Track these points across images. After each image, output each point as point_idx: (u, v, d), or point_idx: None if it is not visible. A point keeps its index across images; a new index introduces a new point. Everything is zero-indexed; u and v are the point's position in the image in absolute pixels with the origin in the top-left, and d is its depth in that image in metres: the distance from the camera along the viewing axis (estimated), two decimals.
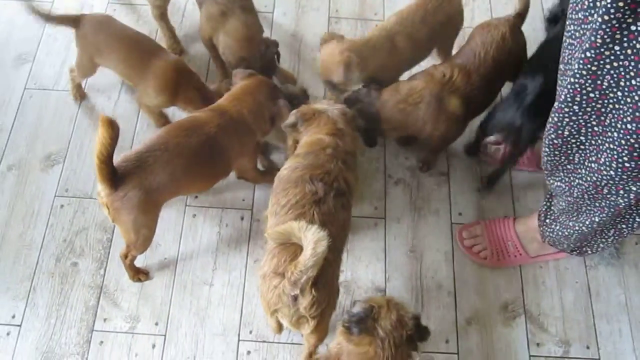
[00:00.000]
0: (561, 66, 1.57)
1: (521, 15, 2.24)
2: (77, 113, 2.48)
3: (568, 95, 1.48)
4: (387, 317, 1.55)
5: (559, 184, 1.80)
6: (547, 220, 2.02)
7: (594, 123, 1.51)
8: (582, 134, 1.57)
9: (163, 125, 2.35)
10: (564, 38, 1.52)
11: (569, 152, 1.67)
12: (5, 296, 2.10)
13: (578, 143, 1.62)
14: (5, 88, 2.55)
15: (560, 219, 1.94)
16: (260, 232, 2.23)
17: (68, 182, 2.32)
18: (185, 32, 2.72)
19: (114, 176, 1.74)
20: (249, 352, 2.03)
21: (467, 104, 2.12)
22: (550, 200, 2.00)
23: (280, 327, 1.84)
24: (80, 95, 2.52)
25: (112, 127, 1.65)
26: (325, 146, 1.85)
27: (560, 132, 1.61)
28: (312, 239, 1.45)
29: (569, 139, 1.61)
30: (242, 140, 2.02)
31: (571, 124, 1.56)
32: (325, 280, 1.59)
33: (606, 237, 1.91)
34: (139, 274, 2.14)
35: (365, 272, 2.17)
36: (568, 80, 1.46)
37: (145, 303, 2.11)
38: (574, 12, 1.43)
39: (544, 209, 2.05)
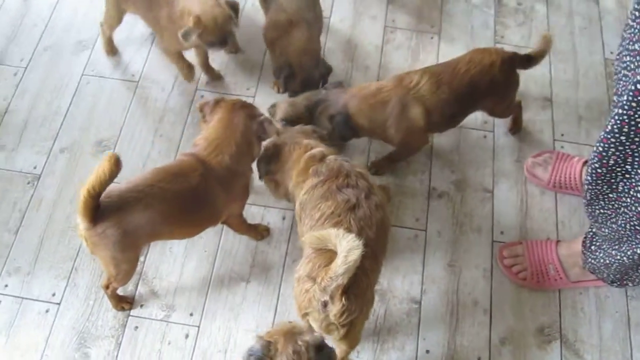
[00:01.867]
0: (615, 97, 1.55)
1: (530, 58, 2.20)
2: (131, 102, 2.53)
3: (615, 127, 1.46)
4: (284, 352, 1.49)
5: (601, 211, 1.77)
6: (592, 247, 1.99)
7: None
8: (629, 163, 1.55)
9: (188, 76, 2.49)
10: (619, 69, 1.50)
11: (613, 180, 1.64)
12: (47, 274, 2.15)
13: (623, 172, 1.59)
14: (64, 73, 2.61)
15: (604, 247, 1.91)
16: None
17: None
18: (243, 31, 2.75)
19: (96, 211, 1.69)
20: None
21: (429, 115, 2.10)
22: (595, 226, 1.97)
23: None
24: (112, 50, 2.62)
25: (116, 166, 1.62)
26: (320, 157, 1.85)
27: (605, 161, 1.59)
28: (346, 247, 1.44)
29: (614, 167, 1.59)
30: (228, 188, 1.92)
31: (617, 153, 1.54)
32: (358, 290, 1.58)
33: None
34: (122, 303, 2.10)
35: (402, 282, 2.17)
36: (616, 111, 1.44)
37: (182, 293, 2.13)
38: (630, 43, 1.41)
39: (589, 235, 2.02)
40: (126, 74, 2.61)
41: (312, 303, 1.57)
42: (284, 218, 2.27)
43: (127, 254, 1.84)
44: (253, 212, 2.27)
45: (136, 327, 2.07)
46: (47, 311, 2.09)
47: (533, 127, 2.52)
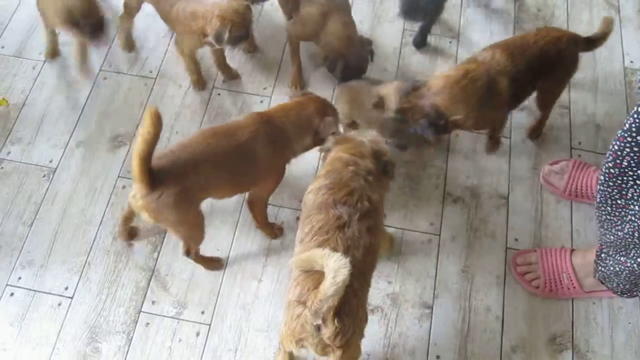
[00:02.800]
0: (636, 94, 1.54)
1: (592, 41, 2.25)
2: (148, 98, 2.54)
3: (633, 125, 1.46)
4: None
5: (607, 217, 1.76)
6: (602, 255, 1.98)
7: None
8: None
9: (197, 84, 2.54)
10: None
11: (624, 185, 1.63)
12: (60, 268, 2.16)
13: (635, 177, 1.58)
14: None
15: (611, 253, 1.89)
16: None
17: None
18: (260, 31, 2.75)
19: (151, 175, 1.73)
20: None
21: (511, 86, 2.12)
22: (599, 231, 1.95)
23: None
24: (129, 45, 2.65)
25: (158, 120, 1.64)
26: (345, 163, 1.80)
27: (618, 161, 1.57)
28: (333, 267, 1.41)
29: (626, 170, 1.58)
30: (275, 152, 1.99)
31: (632, 154, 1.53)
32: (349, 309, 1.55)
33: None
34: (213, 263, 2.16)
35: (414, 286, 2.16)
36: (635, 109, 1.43)
37: (194, 291, 2.13)
38: None
39: (600, 244, 2.00)
40: (144, 70, 2.62)
41: (306, 327, 1.55)
42: (297, 218, 2.27)
43: (189, 212, 1.90)
44: (267, 212, 2.27)
45: (147, 324, 2.07)
46: (59, 305, 2.09)
47: (550, 134, 2.51)
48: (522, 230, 2.29)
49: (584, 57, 2.65)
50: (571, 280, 2.12)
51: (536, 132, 2.49)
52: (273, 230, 2.24)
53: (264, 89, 2.59)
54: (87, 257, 2.18)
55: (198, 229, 1.98)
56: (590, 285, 2.12)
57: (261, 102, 2.55)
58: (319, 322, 1.51)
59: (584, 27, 2.81)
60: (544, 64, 2.16)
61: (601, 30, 2.24)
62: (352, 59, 2.39)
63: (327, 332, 1.52)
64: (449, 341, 2.08)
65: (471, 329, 2.10)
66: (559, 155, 2.44)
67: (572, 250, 2.17)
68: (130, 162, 2.27)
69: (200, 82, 2.54)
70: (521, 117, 2.54)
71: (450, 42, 2.75)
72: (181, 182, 1.79)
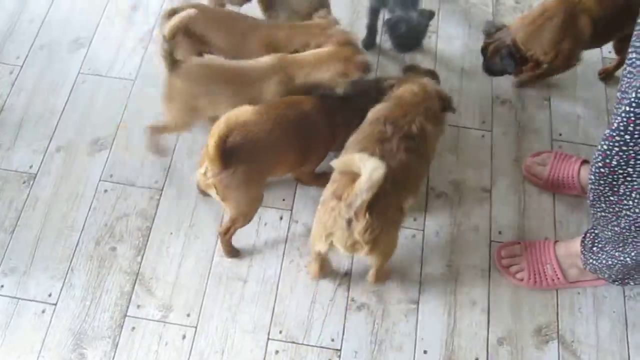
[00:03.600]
0: (618, 94, 1.55)
1: None
2: (128, 101, 2.52)
3: (621, 124, 1.46)
4: None
5: (602, 214, 1.77)
6: (594, 249, 1.98)
7: None
8: (631, 166, 1.55)
9: None
10: (625, 66, 1.49)
11: (615, 182, 1.64)
12: (43, 274, 2.14)
13: (625, 174, 1.59)
14: (60, 71, 2.60)
15: (607, 248, 1.90)
16: (297, 234, 2.24)
17: (113, 168, 2.35)
18: None
19: (224, 153, 1.76)
20: (277, 352, 2.03)
21: (595, 26, 2.22)
22: (597, 228, 1.96)
23: (320, 271, 2.06)
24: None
25: (248, 115, 1.69)
26: (411, 93, 1.94)
27: (607, 161, 1.58)
28: (369, 167, 1.54)
29: (616, 169, 1.59)
30: (328, 130, 2.09)
31: (620, 153, 1.53)
32: (380, 209, 1.65)
33: None
34: (234, 251, 2.17)
35: (400, 282, 2.16)
36: (623, 109, 1.43)
37: (179, 293, 2.12)
38: (637, 40, 1.41)
39: (590, 237, 2.01)
40: (123, 72, 2.60)
41: (338, 222, 1.66)
42: (281, 218, 2.27)
43: (258, 188, 1.95)
44: None
45: (133, 328, 2.06)
46: (43, 312, 2.08)
47: (531, 126, 2.51)
48: (506, 223, 2.30)
49: None
50: (555, 272, 2.13)
51: (609, 74, 2.64)
52: (327, 179, 2.25)
53: None
54: (70, 262, 2.16)
55: (256, 207, 2.01)
56: (574, 275, 2.13)
57: None
58: (351, 215, 1.62)
59: None
60: (629, 16, 2.15)
61: None
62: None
63: (358, 225, 1.64)
64: (436, 336, 2.08)
65: (457, 323, 2.11)
66: (540, 147, 2.45)
67: (556, 242, 2.17)
68: (112, 166, 2.31)
69: None
70: (501, 111, 2.55)
71: (430, 37, 2.75)
72: (253, 158, 1.84)
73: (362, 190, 1.56)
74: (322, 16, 2.20)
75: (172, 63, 1.96)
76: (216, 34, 2.17)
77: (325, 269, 2.10)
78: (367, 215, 1.62)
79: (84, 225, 2.23)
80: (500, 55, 2.30)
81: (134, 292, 2.12)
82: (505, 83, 2.62)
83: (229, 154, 1.78)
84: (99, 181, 2.32)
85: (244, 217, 2.00)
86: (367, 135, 1.82)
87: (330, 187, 1.74)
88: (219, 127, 1.67)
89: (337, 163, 1.70)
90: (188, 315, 2.09)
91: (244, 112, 1.66)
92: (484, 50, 2.39)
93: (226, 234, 2.07)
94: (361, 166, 1.57)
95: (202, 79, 2.01)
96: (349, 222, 1.64)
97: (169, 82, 1.99)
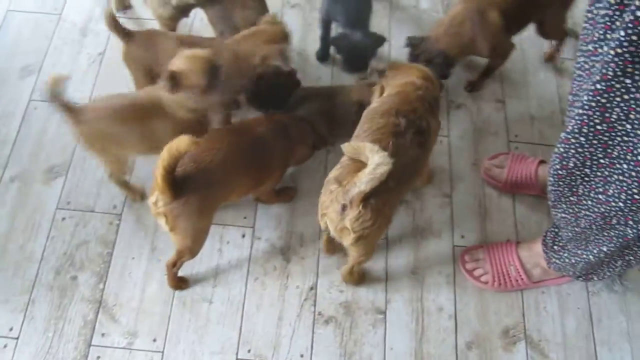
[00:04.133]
0: (570, 97, 1.57)
1: None
2: None
3: (575, 127, 1.48)
4: None
5: (563, 215, 1.79)
6: (555, 247, 2.01)
7: (600, 156, 1.50)
8: (587, 167, 1.57)
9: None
10: (574, 70, 1.52)
11: (573, 183, 1.66)
12: (3, 308, 2.09)
13: (582, 175, 1.61)
14: (10, 99, 2.55)
15: (568, 247, 1.92)
16: (261, 251, 2.22)
17: (70, 195, 2.31)
18: None
19: (175, 184, 1.73)
20: None
21: (505, 16, 2.27)
22: (557, 227, 1.99)
23: (330, 248, 2.16)
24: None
25: (189, 144, 1.63)
26: (417, 87, 1.92)
27: (565, 163, 1.60)
28: (377, 161, 1.56)
29: (573, 170, 1.61)
30: (284, 150, 2.08)
31: (577, 155, 1.55)
32: (376, 203, 1.65)
33: (613, 267, 1.90)
34: (181, 283, 2.14)
35: (365, 293, 2.16)
36: (576, 112, 1.45)
37: (144, 319, 2.09)
38: (583, 44, 1.43)
39: (551, 235, 2.03)
40: (75, 97, 2.53)
41: (333, 204, 1.68)
42: (243, 236, 2.25)
43: (208, 219, 1.93)
44: (212, 232, 2.22)
45: (98, 357, 2.02)
46: (5, 346, 2.03)
47: (488, 129, 2.54)
48: (468, 227, 2.32)
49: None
50: (519, 273, 2.15)
51: (554, 57, 2.74)
52: (287, 194, 2.32)
53: None
54: (31, 294, 2.12)
55: (203, 240, 1.98)
56: (538, 275, 2.15)
57: None
58: (347, 202, 1.64)
59: None
60: (535, 2, 2.35)
61: None
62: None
63: (350, 213, 1.65)
64: (405, 344, 2.08)
65: (425, 330, 2.11)
66: (497, 149, 2.48)
67: (518, 243, 2.19)
68: (68, 193, 2.27)
69: None
70: (458, 115, 2.57)
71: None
72: (206, 187, 1.81)
73: (362, 181, 1.58)
74: (269, 20, 2.15)
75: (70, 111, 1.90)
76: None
77: (334, 245, 2.13)
78: (360, 206, 1.63)
79: (42, 256, 2.19)
80: (435, 64, 2.29)
81: (98, 321, 2.08)
82: (458, 87, 2.64)
83: (181, 183, 1.75)
84: (55, 209, 2.28)
85: (190, 250, 1.97)
86: (381, 127, 1.81)
87: (335, 170, 1.75)
88: (162, 159, 1.64)
89: (347, 147, 1.72)
90: (154, 340, 2.06)
91: (183, 141, 1.61)
92: (416, 56, 2.37)
93: (173, 267, 2.04)
94: (369, 157, 1.59)
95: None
96: (344, 207, 1.65)
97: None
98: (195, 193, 1.78)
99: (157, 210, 1.79)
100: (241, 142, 1.93)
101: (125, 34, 2.11)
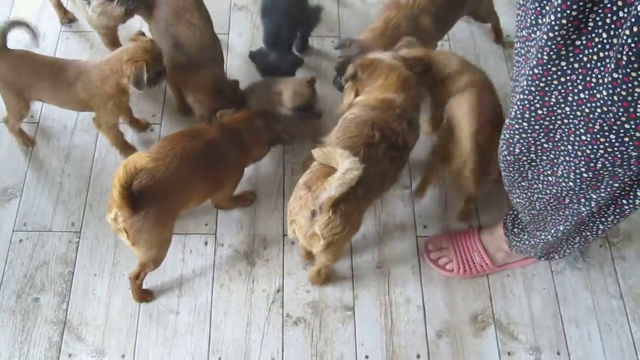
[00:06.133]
0: (512, 83, 1.58)
1: None
2: (33, 145, 2.43)
3: (518, 112, 1.49)
4: None
5: (518, 200, 1.81)
6: (515, 230, 2.02)
7: (542, 140, 1.52)
8: (532, 152, 1.58)
9: (123, 148, 2.35)
10: (513, 55, 1.53)
11: (522, 169, 1.68)
12: None
13: (529, 160, 1.63)
14: None
15: (528, 229, 1.94)
16: (225, 257, 2.20)
17: (26, 216, 2.27)
18: None
19: (132, 199, 1.71)
20: None
21: (436, 21, 2.29)
22: (516, 210, 2.00)
23: (308, 254, 2.10)
24: (28, 140, 2.44)
25: (146, 162, 1.62)
26: (394, 106, 1.91)
27: (511, 149, 1.62)
28: (346, 166, 1.55)
29: (519, 156, 1.62)
30: (238, 153, 2.07)
31: (521, 141, 1.57)
32: (346, 209, 1.65)
33: (572, 243, 1.93)
34: (146, 295, 2.11)
35: (332, 291, 2.15)
36: (517, 97, 1.47)
37: (111, 335, 2.06)
38: (518, 30, 1.45)
39: (510, 218, 2.05)
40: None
41: (302, 211, 1.67)
42: (206, 243, 2.23)
43: (169, 229, 1.92)
44: (175, 241, 2.20)
45: None
46: None
47: None
48: (430, 217, 2.33)
49: (464, 38, 2.73)
50: (483, 258, 2.16)
51: (497, 37, 2.80)
52: (247, 199, 2.32)
53: (153, 116, 2.52)
54: None
55: (166, 250, 1.97)
56: (501, 259, 2.17)
57: (152, 130, 2.48)
58: (316, 207, 1.63)
59: None
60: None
61: None
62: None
63: (320, 219, 1.65)
64: (375, 338, 2.08)
65: (395, 323, 2.11)
66: None
67: (480, 229, 2.21)
68: (24, 214, 2.23)
69: (129, 150, 2.39)
70: None
71: (333, 41, 2.75)
72: (163, 198, 1.79)
73: (332, 186, 1.57)
74: (135, 38, 2.12)
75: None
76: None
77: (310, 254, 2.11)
78: (330, 211, 1.62)
79: (2, 280, 2.14)
80: None
81: (63, 341, 2.04)
82: None
83: (138, 197, 1.73)
84: (12, 232, 2.24)
85: (153, 261, 1.95)
86: (354, 136, 1.81)
87: (305, 176, 1.73)
88: (118, 176, 1.63)
89: (317, 153, 1.70)
90: (123, 356, 2.03)
91: (141, 158, 1.60)
92: (340, 69, 2.26)
93: (137, 279, 2.02)
94: (339, 162, 1.58)
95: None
96: (313, 213, 1.65)
97: None
98: (153, 205, 1.77)
99: (117, 226, 1.77)
100: (194, 148, 1.90)
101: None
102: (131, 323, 2.08)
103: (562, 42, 1.24)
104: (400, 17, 2.25)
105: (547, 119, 1.44)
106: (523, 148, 1.58)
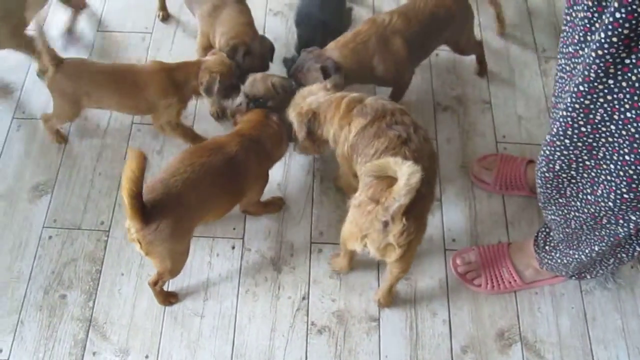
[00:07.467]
0: (553, 99, 1.56)
1: None
2: (66, 142, 2.45)
3: (560, 129, 1.47)
4: None
5: (553, 217, 1.79)
6: (547, 248, 2.00)
7: (585, 157, 1.50)
8: (573, 169, 1.56)
9: (195, 140, 2.36)
10: (556, 71, 1.51)
11: (560, 186, 1.66)
12: None
13: (569, 177, 1.60)
14: None
15: (560, 247, 1.91)
16: (251, 262, 2.20)
17: (56, 212, 2.29)
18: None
19: (144, 210, 1.71)
20: None
21: (409, 46, 2.24)
22: (548, 227, 1.98)
23: (348, 266, 2.14)
24: (62, 138, 2.47)
25: (141, 160, 1.62)
26: (359, 99, 1.96)
27: (551, 165, 1.60)
28: (407, 171, 1.53)
29: (559, 173, 1.60)
30: (260, 162, 2.06)
31: (562, 158, 1.55)
32: (416, 213, 1.66)
33: (606, 265, 1.90)
34: (170, 298, 2.12)
35: (359, 301, 2.14)
36: (560, 114, 1.44)
37: (135, 335, 2.07)
38: (564, 46, 1.42)
39: (542, 236, 2.02)
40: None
41: (374, 224, 1.65)
42: (233, 247, 2.23)
43: (184, 241, 1.91)
44: (202, 244, 2.22)
45: None
46: None
47: (475, 130, 2.53)
48: (459, 230, 2.30)
49: (498, 50, 2.71)
50: (511, 274, 2.13)
51: (481, 69, 2.69)
52: (276, 205, 2.31)
53: (185, 117, 2.53)
54: (19, 315, 2.09)
55: (182, 262, 1.97)
56: (530, 276, 2.14)
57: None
58: (388, 218, 1.62)
59: (494, 19, 2.85)
60: (437, 23, 2.30)
61: None
62: (254, 46, 2.36)
63: (394, 229, 1.64)
64: (400, 351, 2.06)
65: (420, 336, 2.09)
66: (484, 150, 2.47)
67: (509, 244, 2.19)
68: (54, 211, 2.25)
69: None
70: (444, 118, 2.56)
71: None
72: (176, 210, 1.78)
73: (401, 195, 1.55)
74: (215, 52, 2.26)
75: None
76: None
77: (352, 264, 2.15)
78: (404, 219, 1.62)
79: (30, 275, 2.16)
80: (328, 68, 2.17)
81: (89, 339, 2.06)
82: (444, 89, 2.63)
83: (150, 209, 1.73)
84: (42, 228, 2.26)
85: (169, 272, 1.95)
86: (388, 144, 1.82)
87: (366, 192, 1.72)
88: (123, 187, 1.62)
89: (370, 167, 1.70)
90: (146, 357, 2.03)
91: (133, 158, 1.60)
92: (292, 74, 2.29)
93: (155, 285, 2.02)
94: (397, 170, 1.57)
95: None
96: (386, 224, 1.64)
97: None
98: (167, 218, 1.75)
99: (131, 236, 1.78)
100: (214, 164, 1.90)
101: (54, 58, 2.13)
102: (156, 324, 2.09)
103: (611, 60, 1.22)
104: (371, 34, 2.21)
105: (591, 136, 1.42)
106: (564, 165, 1.56)
